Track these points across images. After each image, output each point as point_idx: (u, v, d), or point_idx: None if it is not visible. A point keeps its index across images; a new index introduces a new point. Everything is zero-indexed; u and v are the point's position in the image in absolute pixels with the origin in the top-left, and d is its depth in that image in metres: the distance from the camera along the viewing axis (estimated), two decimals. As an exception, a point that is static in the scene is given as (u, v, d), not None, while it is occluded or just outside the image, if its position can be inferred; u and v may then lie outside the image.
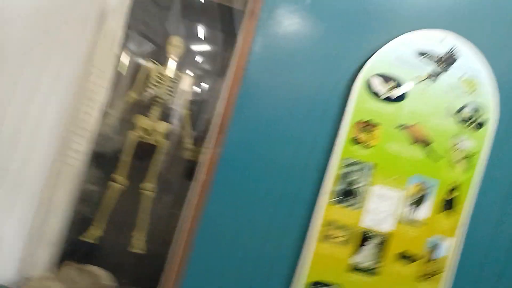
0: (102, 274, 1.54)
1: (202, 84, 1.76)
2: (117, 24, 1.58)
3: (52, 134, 1.55)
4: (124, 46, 1.62)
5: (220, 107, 1.32)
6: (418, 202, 1.30)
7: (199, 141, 1.73)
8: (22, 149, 1.58)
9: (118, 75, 1.63)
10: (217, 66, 1.76)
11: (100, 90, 1.58)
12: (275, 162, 1.28)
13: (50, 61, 1.59)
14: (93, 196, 1.60)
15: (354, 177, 1.28)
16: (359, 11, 1.31)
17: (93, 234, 1.59)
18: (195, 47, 1.73)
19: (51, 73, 1.59)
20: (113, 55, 1.58)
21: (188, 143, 1.72)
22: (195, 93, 1.74)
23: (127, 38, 1.61)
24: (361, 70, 1.28)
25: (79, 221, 1.58)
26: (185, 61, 1.70)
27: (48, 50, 1.59)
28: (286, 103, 1.29)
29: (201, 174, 1.28)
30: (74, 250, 1.57)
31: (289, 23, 1.29)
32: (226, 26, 1.75)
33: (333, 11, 1.31)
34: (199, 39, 1.76)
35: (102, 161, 1.61)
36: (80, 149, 1.55)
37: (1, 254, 1.53)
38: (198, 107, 1.74)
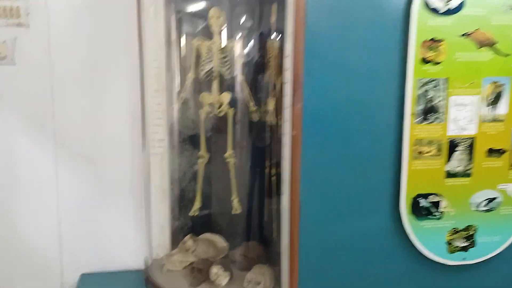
0: (216, 238, 1.73)
1: (250, 45, 1.81)
2: (157, 9, 1.61)
3: (133, 131, 1.67)
4: (176, 30, 1.67)
5: (288, 64, 1.38)
6: (495, 100, 1.39)
7: (260, 101, 1.82)
8: (111, 152, 1.72)
9: (178, 60, 1.70)
10: (259, 25, 1.80)
11: (161, 79, 1.66)
12: (354, 100, 1.36)
13: (109, 68, 1.67)
14: (188, 175, 1.76)
15: (431, 94, 1.36)
16: None
17: (196, 207, 1.76)
18: (236, 12, 1.76)
19: (113, 78, 1.67)
20: (163, 41, 1.63)
21: (251, 105, 1.81)
22: (246, 57, 1.80)
23: (176, 22, 1.65)
24: (415, -9, 1.31)
25: (184, 199, 1.76)
26: (229, 28, 1.74)
27: (100, 60, 1.66)
28: (351, 44, 1.35)
29: (290, 130, 1.37)
30: (186, 225, 1.76)
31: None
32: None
33: None
34: (237, 2, 1.78)
35: (186, 142, 1.74)
36: (162, 137, 1.67)
37: (129, 246, 1.75)
38: (253, 69, 1.81)
